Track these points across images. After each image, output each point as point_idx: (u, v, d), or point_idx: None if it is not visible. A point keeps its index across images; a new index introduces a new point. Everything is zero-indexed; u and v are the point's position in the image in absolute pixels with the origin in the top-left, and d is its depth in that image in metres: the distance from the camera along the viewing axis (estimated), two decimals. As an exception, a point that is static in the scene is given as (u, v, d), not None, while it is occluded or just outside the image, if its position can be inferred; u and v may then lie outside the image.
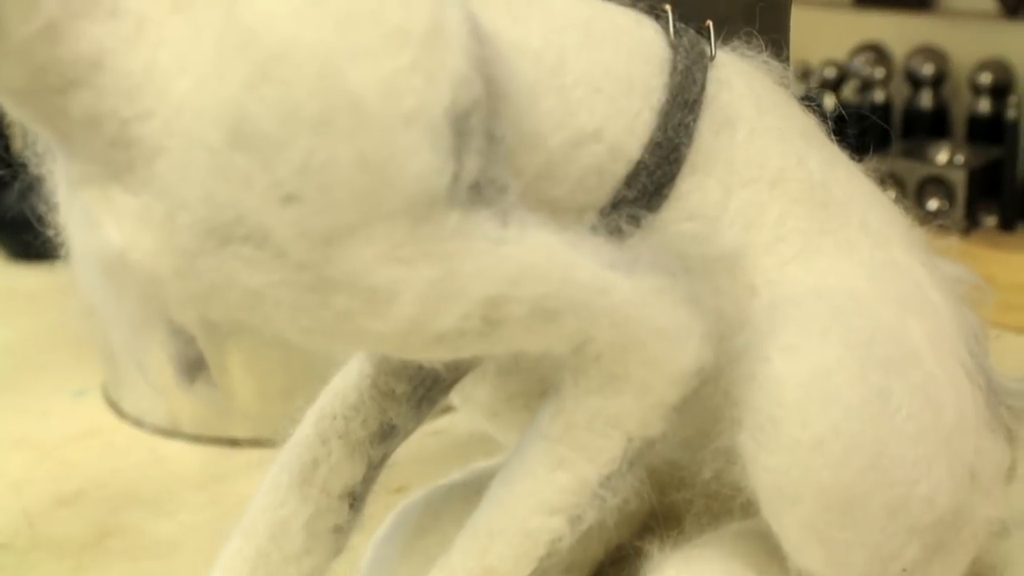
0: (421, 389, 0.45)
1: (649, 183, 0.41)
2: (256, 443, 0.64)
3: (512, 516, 0.41)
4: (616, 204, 0.41)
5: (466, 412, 0.52)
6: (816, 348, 0.40)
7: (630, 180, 0.41)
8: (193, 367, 0.39)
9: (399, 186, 0.35)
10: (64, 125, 0.35)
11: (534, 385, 0.53)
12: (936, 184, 0.88)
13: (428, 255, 0.36)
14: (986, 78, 0.93)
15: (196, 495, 0.60)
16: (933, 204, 0.88)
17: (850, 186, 0.45)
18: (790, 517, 0.39)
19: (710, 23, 0.44)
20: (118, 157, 0.35)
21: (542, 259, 0.37)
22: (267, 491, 0.45)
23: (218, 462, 0.63)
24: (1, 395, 0.71)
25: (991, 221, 0.90)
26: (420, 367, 0.45)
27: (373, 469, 0.45)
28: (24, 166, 0.39)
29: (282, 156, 0.34)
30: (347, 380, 0.45)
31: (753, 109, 0.44)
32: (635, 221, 0.41)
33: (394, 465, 0.46)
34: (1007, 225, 0.90)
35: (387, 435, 0.45)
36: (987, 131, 0.93)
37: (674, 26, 0.42)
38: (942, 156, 0.92)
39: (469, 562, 0.41)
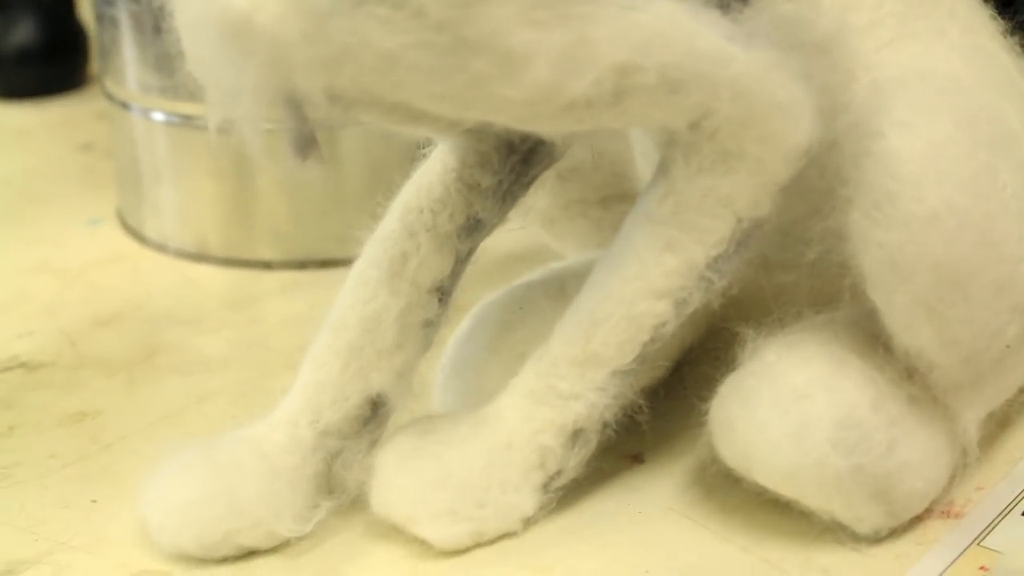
0: (506, 183, 0.44)
1: (755, -40, 0.40)
2: (286, 265, 0.63)
3: (618, 301, 0.41)
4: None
5: (522, 220, 0.52)
6: (928, 124, 0.39)
7: (736, -43, 0.40)
8: (306, 144, 0.38)
9: (542, -59, 0.34)
10: None
11: (591, 192, 0.53)
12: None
13: (562, 17, 0.35)
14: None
15: (235, 314, 0.59)
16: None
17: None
18: (902, 293, 0.39)
19: None
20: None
21: (668, 27, 0.37)
22: (354, 287, 0.44)
23: (251, 283, 0.62)
24: (12, 226, 0.69)
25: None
26: (506, 159, 0.44)
27: (460, 263, 0.44)
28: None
29: (424, -93, 0.32)
30: (431, 174, 0.44)
31: None
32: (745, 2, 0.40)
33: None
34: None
35: (473, 229, 0.44)
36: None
37: None
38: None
39: (572, 349, 0.41)
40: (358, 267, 0.44)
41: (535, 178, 0.45)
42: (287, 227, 0.63)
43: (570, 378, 0.41)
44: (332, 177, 0.62)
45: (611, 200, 0.53)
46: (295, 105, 0.36)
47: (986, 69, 0.44)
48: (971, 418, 0.42)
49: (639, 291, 0.40)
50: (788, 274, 0.44)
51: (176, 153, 0.65)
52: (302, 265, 0.63)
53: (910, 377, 0.41)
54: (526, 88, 0.35)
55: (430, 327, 0.44)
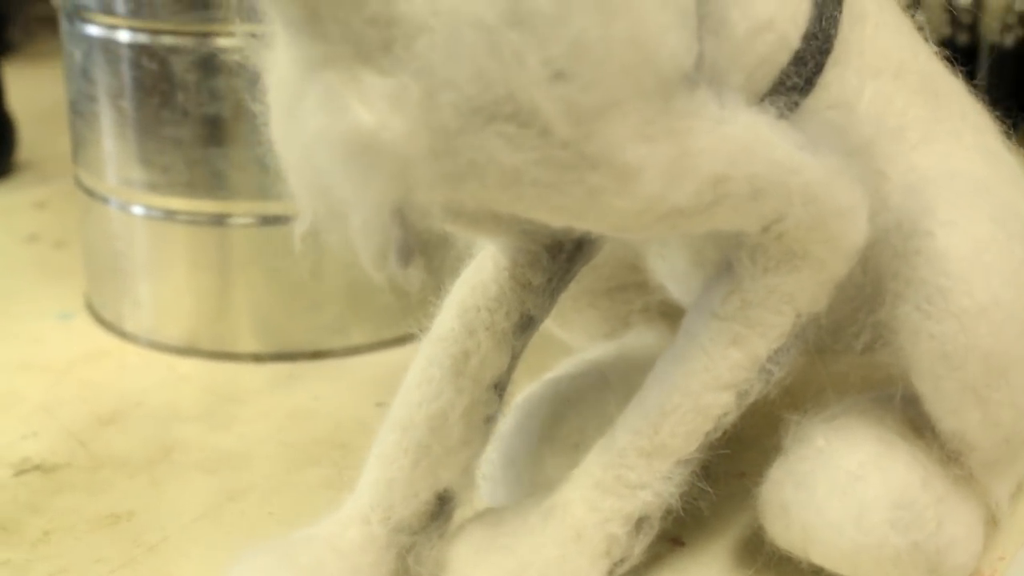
0: (555, 280, 0.46)
1: (805, 72, 0.43)
2: (276, 357, 0.64)
3: (685, 393, 0.43)
4: (775, 92, 0.43)
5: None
6: (970, 223, 0.43)
7: (790, 69, 0.43)
8: (410, 251, 0.39)
9: (656, 64, 0.36)
10: (319, 2, 0.34)
11: (600, 284, 0.55)
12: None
13: (670, 132, 0.37)
14: None
15: (240, 409, 0.59)
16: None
17: (948, 78, 0.48)
18: (952, 380, 0.42)
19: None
20: (373, 37, 0.35)
21: (753, 139, 0.39)
22: (418, 385, 0.45)
23: (245, 377, 0.62)
24: (-22, 322, 0.68)
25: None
26: (555, 257, 0.46)
27: (515, 359, 0.46)
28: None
29: (556, 33, 0.34)
30: (484, 273, 0.46)
31: (875, 4, 0.46)
32: (791, 108, 0.43)
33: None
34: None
35: (527, 326, 0.46)
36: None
37: (818, -79, 0.44)
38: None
39: (639, 440, 0.43)
40: (419, 366, 0.45)
41: (576, 273, 0.47)
42: (275, 319, 0.64)
43: (638, 468, 0.43)
44: (318, 271, 0.63)
45: (617, 291, 0.55)
46: (403, 214, 0.38)
47: (999, 168, 0.47)
48: (1003, 492, 0.46)
49: (706, 384, 0.43)
50: (835, 362, 0.46)
51: (158, 247, 0.65)
52: (292, 357, 0.64)
53: (951, 456, 0.44)
54: (636, 199, 0.37)
55: (491, 422, 0.45)
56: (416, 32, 0.35)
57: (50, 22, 1.34)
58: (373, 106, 0.35)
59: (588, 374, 0.50)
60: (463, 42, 0.34)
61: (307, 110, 0.36)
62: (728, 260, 0.43)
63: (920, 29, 0.48)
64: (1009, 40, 0.87)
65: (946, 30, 0.47)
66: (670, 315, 0.54)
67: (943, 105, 0.47)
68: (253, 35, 0.38)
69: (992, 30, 0.87)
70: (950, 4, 0.80)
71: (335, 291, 0.64)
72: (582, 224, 0.38)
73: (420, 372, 0.45)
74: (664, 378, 0.43)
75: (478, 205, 0.37)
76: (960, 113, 0.48)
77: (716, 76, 0.38)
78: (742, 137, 0.39)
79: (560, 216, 0.37)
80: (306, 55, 0.36)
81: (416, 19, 0.34)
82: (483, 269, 0.46)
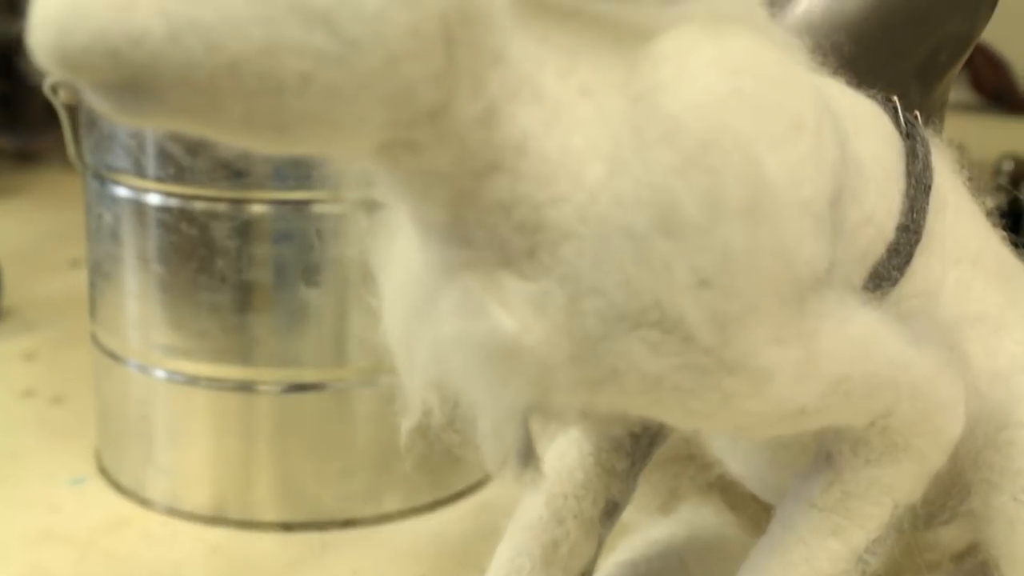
0: (637, 464, 0.46)
1: (897, 262, 0.44)
2: (307, 526, 0.62)
3: (785, 585, 0.42)
4: (869, 283, 0.43)
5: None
6: (1059, 414, 0.43)
7: (884, 260, 0.43)
8: (530, 453, 0.38)
9: (794, 270, 0.36)
10: (467, 209, 0.34)
11: (654, 457, 0.55)
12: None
13: (799, 336, 0.37)
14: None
15: (276, 583, 0.58)
16: None
17: (1012, 259, 0.49)
18: (1049, 568, 0.43)
19: (896, 99, 0.47)
20: (518, 242, 0.35)
21: (870, 337, 0.39)
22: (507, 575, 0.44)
23: (280, 548, 0.61)
24: (-10, 488, 0.66)
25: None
26: (637, 442, 0.46)
27: (600, 547, 0.45)
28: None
29: (704, 241, 0.34)
30: (569, 460, 0.45)
31: (952, 191, 0.47)
32: (881, 298, 0.43)
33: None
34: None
35: (612, 512, 0.45)
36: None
37: (903, 114, 0.45)
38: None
39: (739, 632, 0.42)
40: (507, 555, 0.44)
41: (653, 456, 0.47)
42: (304, 487, 0.62)
43: (737, 657, 0.42)
44: (347, 437, 0.62)
45: (670, 463, 0.55)
46: (527, 417, 0.37)
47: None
48: None
49: (805, 574, 0.42)
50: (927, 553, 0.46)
51: (181, 411, 0.63)
52: (322, 526, 0.63)
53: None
54: (767, 402, 0.37)
55: (579, 612, 0.44)
56: (562, 238, 0.34)
57: (16, 156, 1.33)
58: (515, 311, 0.35)
59: (665, 558, 0.50)
60: (612, 249, 0.34)
61: (442, 312, 0.36)
62: (827, 451, 0.43)
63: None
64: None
65: (990, 192, 0.48)
66: (725, 489, 0.54)
67: (1014, 288, 0.48)
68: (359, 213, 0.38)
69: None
70: (996, 169, 0.82)
71: (366, 457, 0.63)
72: (709, 425, 0.38)
73: (508, 562, 0.44)
74: (763, 568, 0.43)
75: (611, 408, 0.37)
76: (1027, 298, 0.48)
77: (837, 275, 0.39)
78: (861, 336, 0.39)
79: (691, 419, 0.37)
80: (444, 258, 0.36)
81: (563, 226, 0.34)
82: (567, 455, 0.45)
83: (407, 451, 0.41)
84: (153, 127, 0.31)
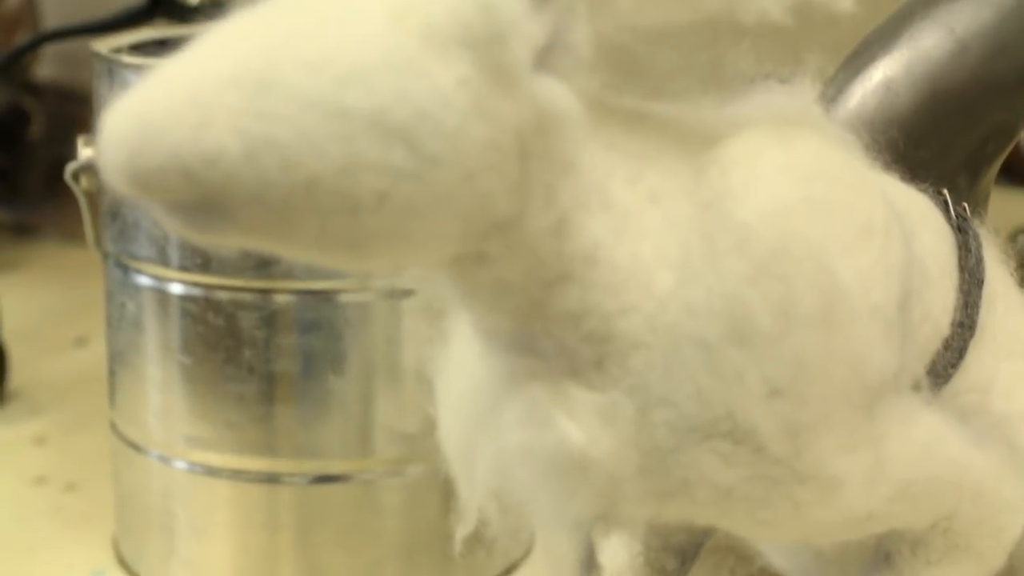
0: (688, 563, 0.45)
1: (952, 358, 0.43)
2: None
3: None
4: (925, 379, 0.43)
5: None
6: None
7: (939, 356, 0.43)
8: (592, 563, 0.37)
9: (865, 378, 0.35)
10: (534, 319, 0.34)
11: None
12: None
13: (868, 441, 0.36)
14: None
15: None
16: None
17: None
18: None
19: (946, 191, 0.46)
20: (586, 352, 0.34)
21: (934, 439, 0.39)
22: None
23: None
24: (8, 583, 0.64)
25: None
26: (688, 541, 0.45)
27: (651, 647, 0.44)
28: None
29: (776, 351, 0.34)
30: (619, 560, 0.44)
31: (1001, 283, 0.46)
32: (934, 395, 0.43)
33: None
34: None
35: (662, 611, 0.44)
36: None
37: (954, 207, 0.45)
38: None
39: None
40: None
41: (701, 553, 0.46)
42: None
43: None
44: (374, 529, 0.61)
45: (710, 553, 0.54)
46: (591, 528, 0.36)
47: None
48: None
49: None
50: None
51: (203, 503, 0.62)
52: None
53: None
54: (837, 511, 0.36)
55: None
56: (631, 348, 0.34)
57: (14, 229, 1.32)
58: (582, 422, 0.34)
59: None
60: (682, 360, 0.34)
61: (506, 422, 0.35)
62: (886, 551, 0.42)
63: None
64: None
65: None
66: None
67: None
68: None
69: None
70: (1011, 243, 0.82)
71: (393, 549, 0.62)
72: (777, 534, 0.37)
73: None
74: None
75: (678, 518, 0.36)
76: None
77: (903, 377, 0.38)
78: (925, 438, 0.38)
79: (760, 528, 0.37)
80: (509, 367, 0.35)
81: (632, 336, 0.34)
82: (617, 557, 0.45)
83: (461, 559, 0.41)
84: (224, 245, 0.30)
